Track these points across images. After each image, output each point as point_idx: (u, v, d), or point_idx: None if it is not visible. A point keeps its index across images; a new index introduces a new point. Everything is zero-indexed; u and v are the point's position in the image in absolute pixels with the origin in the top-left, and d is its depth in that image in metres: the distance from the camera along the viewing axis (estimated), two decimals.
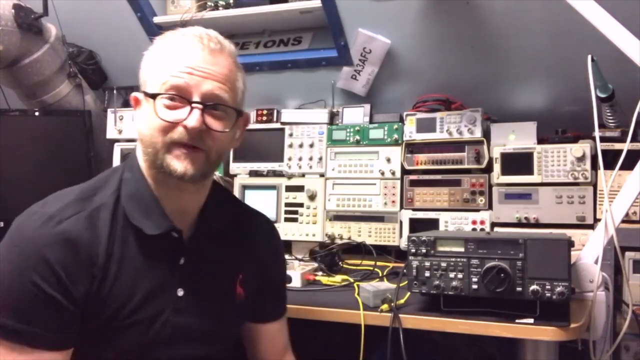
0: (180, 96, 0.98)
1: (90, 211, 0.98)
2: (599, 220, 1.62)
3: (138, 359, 1.01)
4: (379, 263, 1.89)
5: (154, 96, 0.98)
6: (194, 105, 0.98)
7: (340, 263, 1.86)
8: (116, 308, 0.98)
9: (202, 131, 0.98)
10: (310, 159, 2.22)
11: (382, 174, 2.12)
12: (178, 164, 0.98)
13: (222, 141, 1.03)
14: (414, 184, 2.07)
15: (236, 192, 2.29)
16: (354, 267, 1.90)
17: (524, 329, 1.25)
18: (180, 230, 1.05)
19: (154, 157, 1.00)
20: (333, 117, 2.27)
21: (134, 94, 1.06)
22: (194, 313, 1.06)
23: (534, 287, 1.26)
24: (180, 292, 1.05)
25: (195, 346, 1.07)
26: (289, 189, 2.24)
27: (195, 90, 0.98)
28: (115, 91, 2.51)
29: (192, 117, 0.97)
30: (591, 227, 1.80)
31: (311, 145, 2.23)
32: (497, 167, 1.93)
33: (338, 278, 1.70)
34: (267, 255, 1.23)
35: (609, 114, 1.86)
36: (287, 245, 2.24)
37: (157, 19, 2.40)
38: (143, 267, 1.01)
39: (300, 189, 2.22)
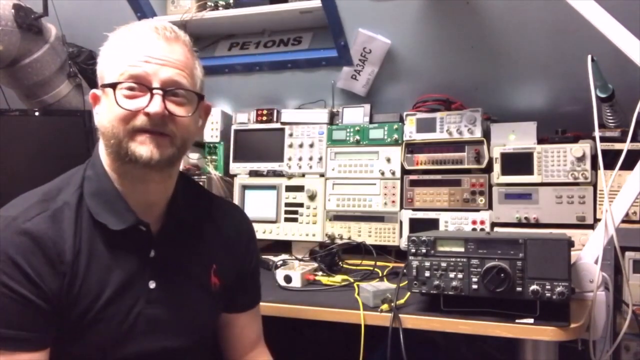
0: (140, 84, 0.97)
1: (53, 211, 0.98)
2: (599, 220, 1.61)
3: (113, 352, 1.01)
4: (379, 263, 1.89)
5: (113, 86, 0.97)
6: (154, 91, 0.97)
7: (340, 263, 1.86)
8: (87, 304, 0.98)
9: (165, 117, 0.98)
10: (310, 159, 2.22)
11: (382, 174, 2.12)
12: (143, 148, 0.97)
13: (186, 126, 1.02)
14: (414, 184, 2.07)
15: (236, 192, 2.30)
16: (354, 267, 1.90)
17: (524, 329, 1.25)
18: (147, 224, 1.05)
19: (118, 148, 0.98)
20: (333, 117, 2.27)
21: (93, 91, 1.05)
22: (167, 305, 1.06)
23: (534, 287, 1.26)
24: (152, 285, 1.05)
25: (170, 338, 1.07)
26: (289, 189, 2.24)
27: (154, 77, 0.98)
28: None
29: (153, 103, 0.97)
30: (591, 227, 1.80)
31: (311, 145, 2.23)
32: (497, 167, 1.93)
33: (338, 278, 1.70)
34: (241, 244, 1.23)
35: (609, 114, 1.86)
36: (287, 245, 2.24)
37: (157, 19, 2.40)
38: (112, 262, 1.01)
39: (300, 189, 2.22)
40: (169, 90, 0.99)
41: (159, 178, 1.05)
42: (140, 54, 0.98)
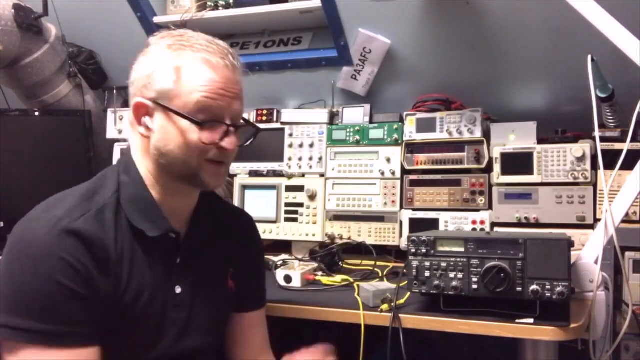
0: (217, 121, 1.02)
1: (96, 211, 1.00)
2: (599, 220, 1.61)
3: (145, 354, 1.04)
4: (379, 263, 1.89)
5: (199, 124, 1.00)
6: (230, 130, 1.04)
7: (340, 263, 1.86)
8: (126, 307, 1.00)
9: (234, 150, 1.07)
10: (310, 159, 2.22)
11: (382, 174, 2.11)
12: (212, 179, 1.06)
13: (235, 152, 1.10)
14: (414, 184, 2.07)
15: (236, 192, 2.29)
16: (354, 267, 1.90)
17: (524, 329, 1.24)
18: (178, 232, 1.09)
19: (186, 174, 1.04)
20: (333, 117, 2.27)
21: (141, 101, 1.03)
22: (192, 308, 1.10)
23: (534, 287, 1.26)
24: (178, 290, 1.09)
25: (195, 340, 1.11)
26: (289, 189, 2.24)
27: (227, 112, 1.03)
28: (115, 91, 2.51)
29: (229, 141, 1.04)
30: (591, 227, 1.80)
31: (311, 145, 2.23)
32: (497, 167, 1.93)
33: (338, 278, 1.70)
34: (250, 247, 1.29)
35: (609, 114, 1.86)
36: (287, 245, 2.24)
37: (157, 19, 2.40)
38: (147, 266, 1.04)
39: (300, 189, 2.22)
40: (239, 126, 1.07)
41: (196, 193, 1.13)
42: (215, 84, 1.00)
